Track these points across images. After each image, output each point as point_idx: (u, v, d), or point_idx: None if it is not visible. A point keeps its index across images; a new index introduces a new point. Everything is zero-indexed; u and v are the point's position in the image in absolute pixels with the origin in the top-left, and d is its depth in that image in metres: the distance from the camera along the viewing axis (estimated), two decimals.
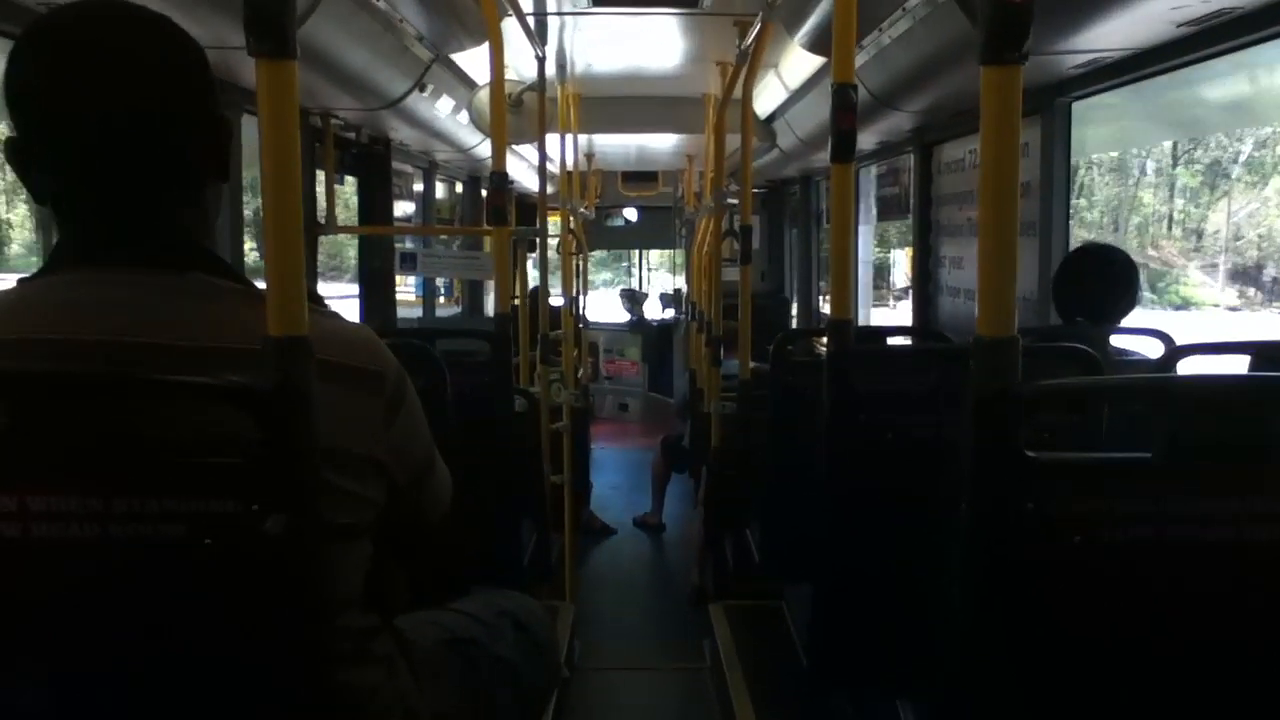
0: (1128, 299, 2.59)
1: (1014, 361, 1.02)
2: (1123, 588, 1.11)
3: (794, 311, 7.96)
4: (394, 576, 1.25)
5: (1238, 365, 1.86)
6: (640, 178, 8.69)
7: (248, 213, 3.39)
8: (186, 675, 0.98)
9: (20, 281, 1.07)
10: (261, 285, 0.97)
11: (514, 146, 4.93)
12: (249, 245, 3.39)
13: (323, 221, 3.98)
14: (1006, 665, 1.13)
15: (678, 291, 9.61)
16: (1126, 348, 2.54)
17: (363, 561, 1.12)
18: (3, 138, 1.09)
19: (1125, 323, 2.59)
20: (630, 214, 9.55)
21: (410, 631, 1.30)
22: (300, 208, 0.95)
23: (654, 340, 9.67)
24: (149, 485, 0.93)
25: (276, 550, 0.95)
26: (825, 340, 2.02)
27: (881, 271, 10.42)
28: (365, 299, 4.77)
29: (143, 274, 1.04)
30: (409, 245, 4.99)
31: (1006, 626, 1.10)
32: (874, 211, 5.86)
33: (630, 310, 9.95)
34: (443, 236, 6.36)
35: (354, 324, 1.18)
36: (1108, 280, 2.59)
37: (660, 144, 6.69)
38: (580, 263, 6.28)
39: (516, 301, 3.66)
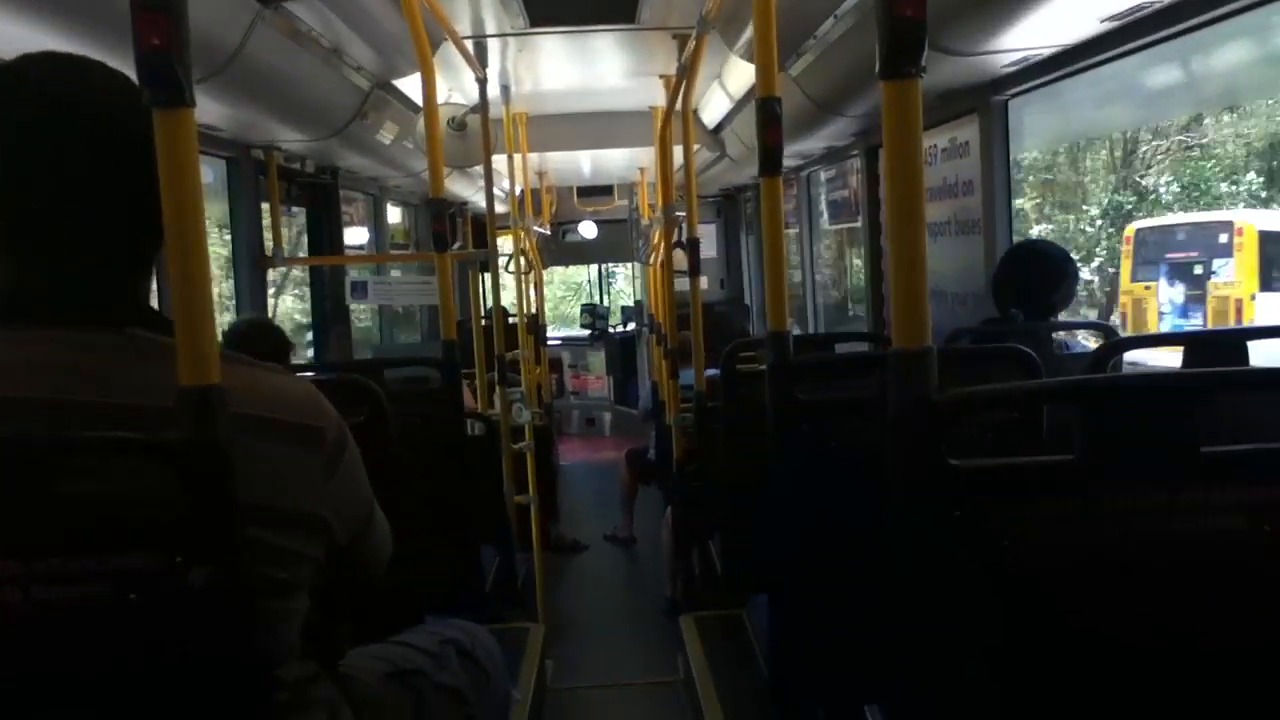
0: (1065, 293, 2.66)
1: (930, 372, 1.02)
2: (1060, 587, 1.12)
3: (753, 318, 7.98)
4: (333, 625, 1.24)
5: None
6: (596, 192, 8.67)
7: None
8: None
9: None
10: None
11: (465, 169, 4.91)
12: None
13: (270, 254, 3.95)
14: (960, 669, 1.13)
15: (638, 304, 9.61)
16: (1070, 340, 2.60)
17: (299, 614, 1.11)
18: None
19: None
20: (588, 229, 9.53)
21: (352, 669, 1.29)
22: (207, 253, 0.94)
23: (618, 353, 9.65)
24: (69, 544, 0.92)
25: (205, 604, 0.94)
26: None
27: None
28: (320, 331, 4.73)
29: (63, 330, 1.01)
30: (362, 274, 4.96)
31: (954, 631, 1.11)
32: (825, 215, 5.89)
33: (592, 325, 9.93)
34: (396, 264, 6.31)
35: (293, 378, 1.16)
36: (1046, 276, 2.66)
37: (612, 158, 6.68)
38: (535, 279, 6.26)
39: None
